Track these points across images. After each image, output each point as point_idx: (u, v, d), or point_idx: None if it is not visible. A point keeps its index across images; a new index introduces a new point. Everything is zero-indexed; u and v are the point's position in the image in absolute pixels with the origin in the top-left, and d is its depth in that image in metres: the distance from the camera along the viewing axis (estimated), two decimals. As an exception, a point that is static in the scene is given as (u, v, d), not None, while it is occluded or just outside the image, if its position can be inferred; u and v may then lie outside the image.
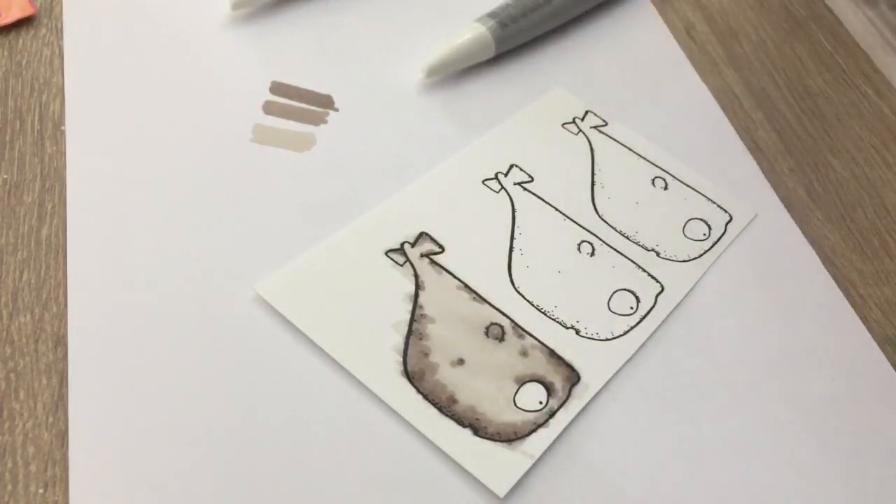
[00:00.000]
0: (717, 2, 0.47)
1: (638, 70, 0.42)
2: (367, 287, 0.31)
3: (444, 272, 0.32)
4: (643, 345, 0.31)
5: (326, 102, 0.37)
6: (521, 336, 0.31)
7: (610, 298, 0.33)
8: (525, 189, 0.36)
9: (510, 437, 0.28)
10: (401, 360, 0.30)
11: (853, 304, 0.34)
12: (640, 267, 0.34)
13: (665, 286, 0.33)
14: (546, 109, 0.39)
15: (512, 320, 0.31)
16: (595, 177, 0.37)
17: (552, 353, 0.31)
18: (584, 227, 0.35)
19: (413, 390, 0.29)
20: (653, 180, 0.37)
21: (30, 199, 0.32)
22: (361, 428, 0.28)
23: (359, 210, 0.34)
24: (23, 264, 0.31)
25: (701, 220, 0.36)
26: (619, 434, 0.29)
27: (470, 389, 0.29)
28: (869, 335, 0.33)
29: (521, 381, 0.30)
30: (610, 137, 0.39)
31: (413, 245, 0.33)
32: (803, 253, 0.36)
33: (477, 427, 0.28)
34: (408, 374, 0.29)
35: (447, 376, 0.29)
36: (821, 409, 0.31)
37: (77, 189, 0.33)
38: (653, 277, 0.34)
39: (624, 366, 0.31)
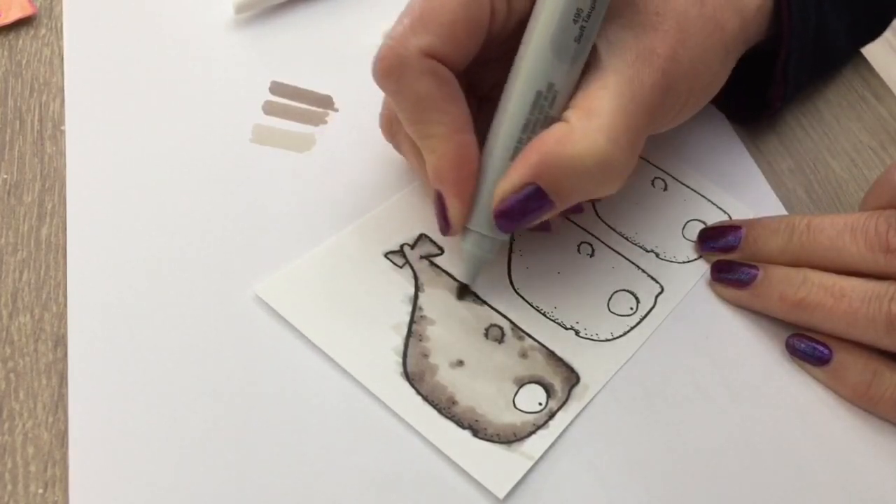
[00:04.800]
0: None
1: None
2: (367, 289, 0.31)
3: (443, 274, 0.32)
4: (643, 345, 0.32)
5: (326, 102, 0.37)
6: (520, 337, 0.31)
7: (609, 299, 0.33)
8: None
9: (510, 438, 0.28)
10: (400, 361, 0.30)
11: (852, 306, 0.34)
12: (639, 268, 0.34)
13: (665, 287, 0.33)
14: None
15: (511, 322, 0.31)
16: (595, 178, 0.37)
17: (552, 355, 0.31)
18: (583, 228, 0.35)
19: (413, 391, 0.29)
20: (652, 181, 0.37)
21: (30, 199, 0.32)
22: (361, 429, 0.28)
23: (358, 211, 0.34)
24: (23, 264, 0.31)
25: (700, 220, 0.36)
26: (619, 434, 0.29)
27: (469, 391, 0.29)
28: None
29: (521, 383, 0.30)
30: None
31: (412, 247, 0.33)
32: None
33: (476, 428, 0.28)
34: (407, 376, 0.29)
35: (447, 378, 0.29)
36: (820, 410, 0.31)
37: (77, 189, 0.33)
38: (652, 278, 0.34)
39: (624, 366, 0.31)
